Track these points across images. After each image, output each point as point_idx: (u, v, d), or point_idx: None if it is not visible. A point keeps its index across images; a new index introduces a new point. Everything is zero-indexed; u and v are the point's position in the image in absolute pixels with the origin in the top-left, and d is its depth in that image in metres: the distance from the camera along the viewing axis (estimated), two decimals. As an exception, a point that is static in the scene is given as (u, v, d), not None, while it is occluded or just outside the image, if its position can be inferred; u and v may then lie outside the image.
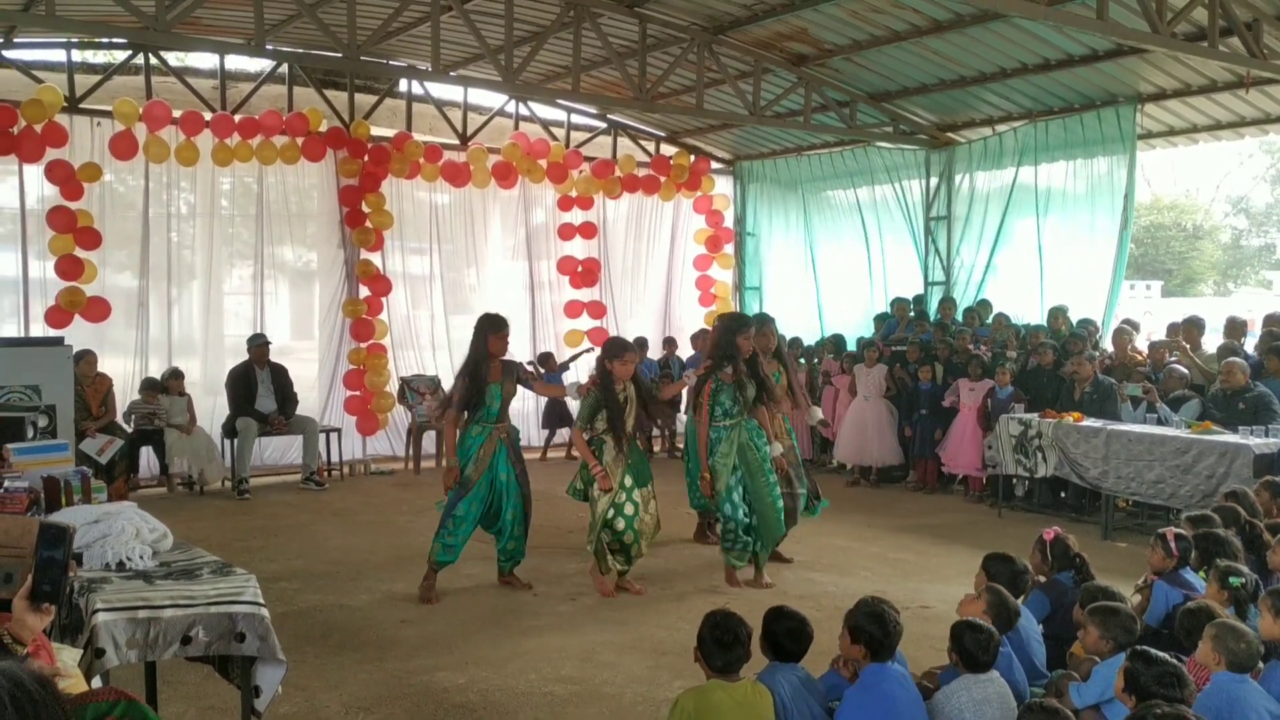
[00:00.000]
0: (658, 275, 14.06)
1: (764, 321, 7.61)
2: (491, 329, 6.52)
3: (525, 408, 11.89)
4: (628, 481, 6.46)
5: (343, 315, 11.55)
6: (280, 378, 10.48)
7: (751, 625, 3.56)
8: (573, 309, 13.10)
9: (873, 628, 3.50)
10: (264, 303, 11.42)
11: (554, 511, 8.42)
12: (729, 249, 14.19)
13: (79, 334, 9.85)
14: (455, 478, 6.46)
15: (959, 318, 11.32)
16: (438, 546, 6.52)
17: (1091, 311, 10.42)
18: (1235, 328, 9.29)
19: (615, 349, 6.53)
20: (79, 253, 9.96)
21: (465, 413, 6.54)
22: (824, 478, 11.19)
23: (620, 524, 6.45)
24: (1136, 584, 5.20)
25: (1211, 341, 9.48)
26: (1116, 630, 3.73)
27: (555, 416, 12.18)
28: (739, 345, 6.69)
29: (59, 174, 9.80)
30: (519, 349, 12.86)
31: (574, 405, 6.82)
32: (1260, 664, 3.50)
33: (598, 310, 13.27)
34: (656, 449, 12.30)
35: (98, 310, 10.07)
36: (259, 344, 10.40)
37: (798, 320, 13.71)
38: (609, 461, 6.43)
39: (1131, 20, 7.83)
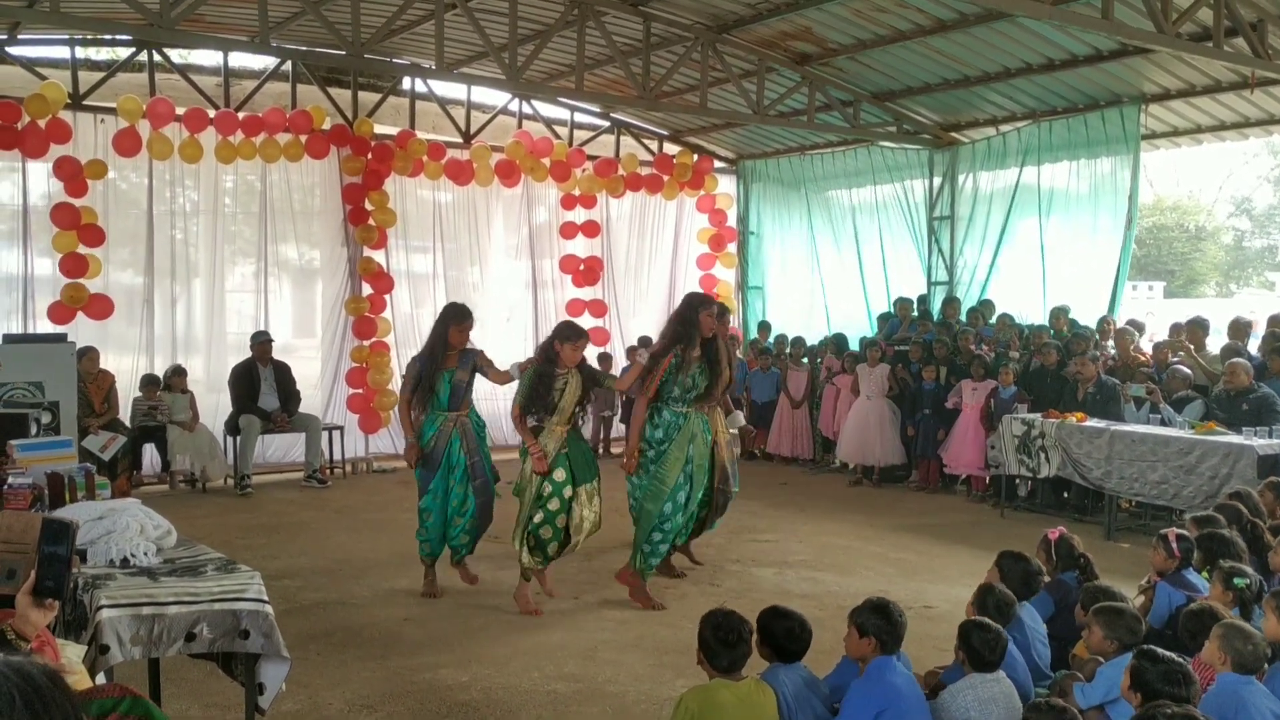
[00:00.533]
0: (660, 274, 14.06)
1: (724, 312, 6.98)
2: (455, 319, 6.51)
3: (498, 408, 11.90)
4: (559, 475, 6.10)
5: (345, 313, 11.55)
6: (283, 375, 10.48)
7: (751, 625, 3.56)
8: (575, 307, 13.09)
9: (879, 620, 3.52)
10: (267, 300, 11.43)
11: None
12: (732, 248, 14.18)
13: (82, 331, 9.86)
14: (415, 454, 6.46)
15: (963, 317, 11.31)
16: (419, 544, 6.67)
17: (1094, 312, 10.42)
18: (1239, 329, 9.28)
19: (568, 333, 6.22)
20: (82, 249, 9.95)
21: (417, 397, 6.50)
22: (826, 477, 11.23)
23: (539, 516, 6.11)
24: (1139, 585, 5.20)
25: (1214, 343, 9.47)
26: (1121, 631, 3.73)
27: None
28: (700, 322, 6.26)
29: (65, 170, 9.80)
30: (522, 348, 12.91)
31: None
32: (1265, 665, 3.49)
33: (600, 309, 13.26)
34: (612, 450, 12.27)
35: (101, 307, 10.08)
36: (262, 341, 10.41)
37: (800, 319, 13.72)
38: (548, 449, 6.11)
39: (1136, 20, 7.82)
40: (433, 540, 6.58)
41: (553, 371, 6.13)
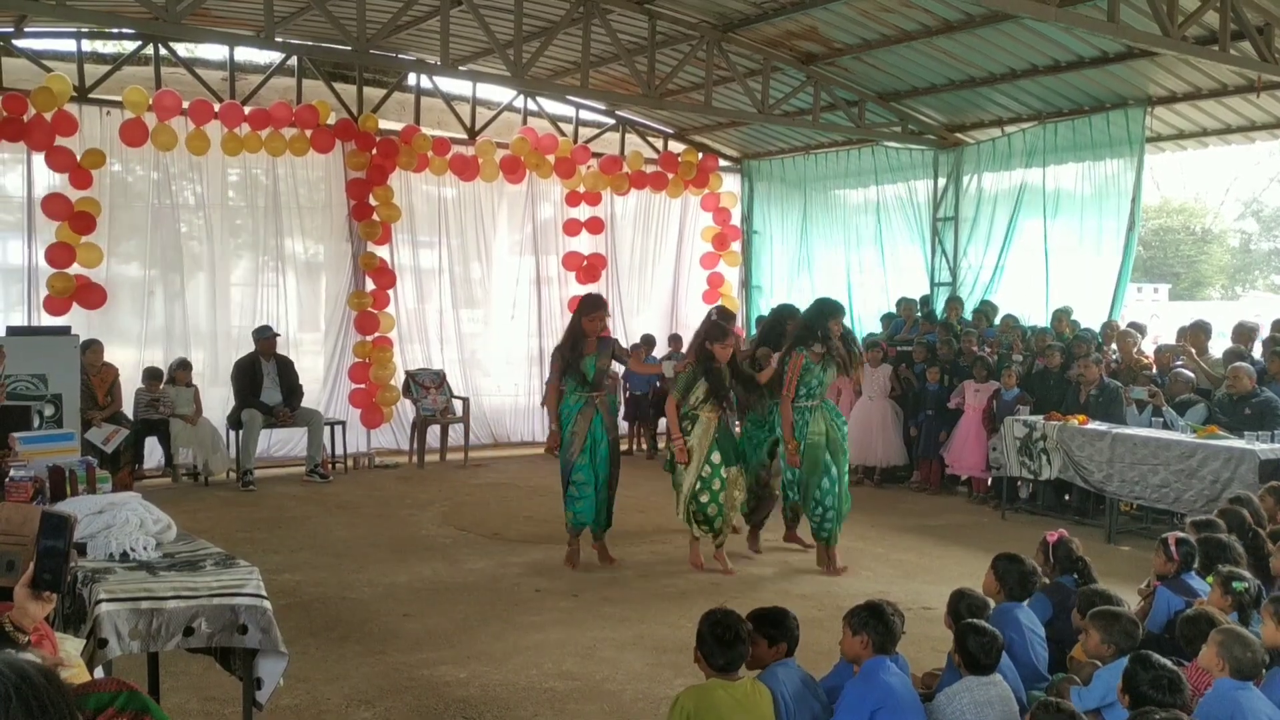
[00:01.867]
0: (665, 272, 14.06)
1: (728, 316, 7.90)
2: (586, 310, 7.19)
3: (521, 404, 11.95)
4: (715, 458, 6.86)
5: (348, 308, 11.56)
6: (286, 370, 10.49)
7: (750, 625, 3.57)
8: (572, 306, 13.08)
9: (872, 620, 3.54)
10: (270, 295, 11.44)
11: (558, 506, 8.41)
12: (736, 247, 14.18)
13: (87, 324, 9.88)
14: (556, 441, 7.15)
15: (967, 317, 11.30)
16: (569, 514, 7.14)
17: (1096, 314, 10.41)
18: (1243, 333, 9.26)
19: (716, 334, 6.99)
20: (83, 239, 9.95)
21: (564, 383, 7.16)
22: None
23: (705, 497, 6.88)
24: (1139, 588, 5.19)
25: (1218, 346, 9.46)
26: (1118, 635, 3.73)
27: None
28: (831, 328, 7.10)
29: (61, 162, 9.80)
30: (525, 345, 12.93)
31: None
32: (1263, 671, 3.49)
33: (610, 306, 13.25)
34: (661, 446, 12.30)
35: (92, 296, 10.04)
36: (266, 337, 10.40)
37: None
38: (699, 437, 6.86)
39: (1142, 23, 7.80)
40: (586, 510, 7.11)
41: (714, 367, 6.92)
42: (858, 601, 3.78)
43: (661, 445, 7.21)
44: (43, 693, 1.38)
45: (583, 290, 13.12)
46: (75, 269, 9.96)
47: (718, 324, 7.15)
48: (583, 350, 7.10)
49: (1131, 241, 10.48)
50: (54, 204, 9.83)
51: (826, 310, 7.24)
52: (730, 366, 7.03)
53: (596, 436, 7.08)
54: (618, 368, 8.29)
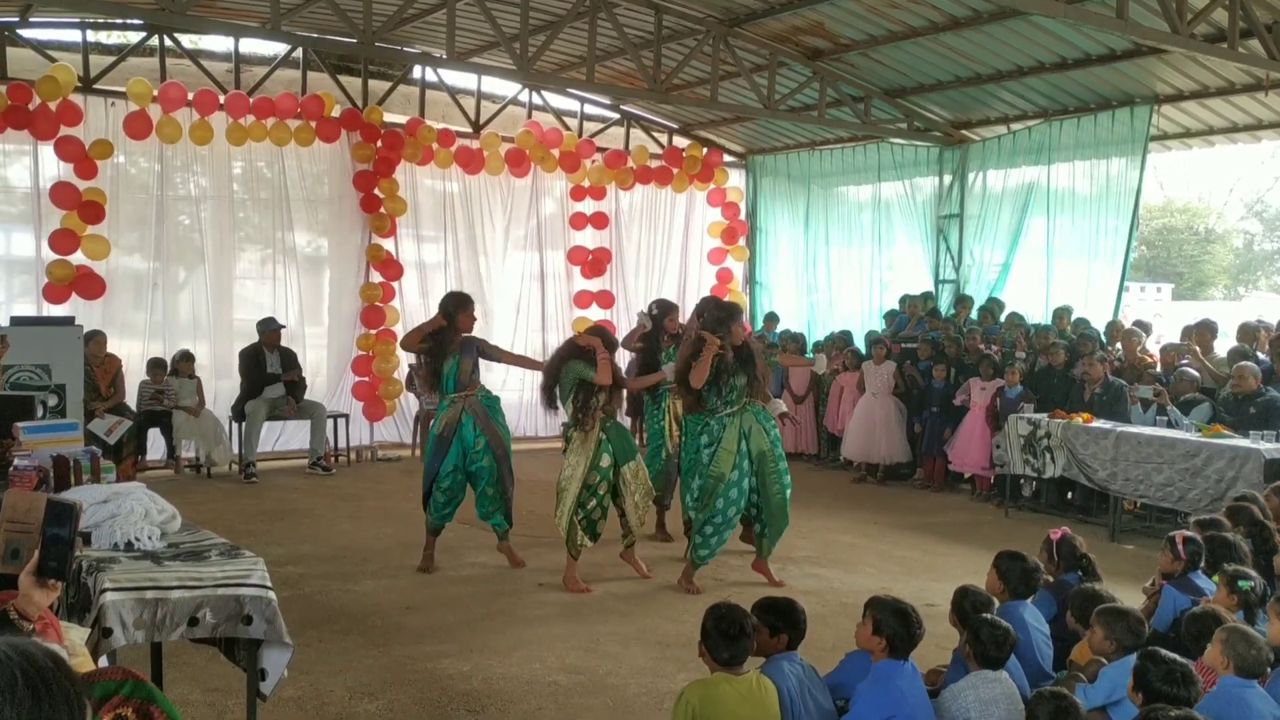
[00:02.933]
0: (671, 268, 14.03)
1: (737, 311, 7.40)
2: (458, 306, 6.96)
3: (525, 399, 11.90)
4: (604, 462, 6.46)
5: (359, 300, 11.54)
6: (289, 361, 10.49)
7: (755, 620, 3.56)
8: (583, 299, 13.10)
9: (897, 624, 3.48)
10: (274, 287, 11.45)
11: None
12: (743, 242, 14.16)
13: (90, 315, 9.88)
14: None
15: (973, 315, 11.29)
16: (428, 516, 7.00)
17: (1096, 312, 10.40)
18: (1248, 332, 9.24)
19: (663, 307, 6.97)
20: (90, 230, 9.95)
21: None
22: (830, 474, 11.22)
23: (591, 503, 6.47)
24: (1144, 587, 5.19)
25: (1223, 346, 9.44)
26: (1122, 632, 3.72)
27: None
28: (732, 331, 6.55)
29: (70, 151, 9.80)
30: (529, 339, 12.91)
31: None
32: (1269, 670, 3.48)
33: (607, 301, 13.24)
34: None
35: (92, 286, 10.03)
36: (271, 329, 10.39)
37: (805, 315, 13.71)
38: (580, 441, 6.47)
39: (1151, 20, 7.78)
40: (442, 509, 6.94)
41: (725, 356, 6.46)
42: (861, 598, 3.76)
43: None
44: (49, 676, 1.38)
45: (587, 285, 13.16)
46: (79, 259, 9.96)
47: (595, 331, 6.83)
48: (447, 349, 6.89)
49: (1132, 240, 10.47)
50: (62, 192, 9.82)
51: (729, 313, 6.68)
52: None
53: (467, 440, 6.83)
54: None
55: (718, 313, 6.62)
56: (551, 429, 12.28)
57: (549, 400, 6.59)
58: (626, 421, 12.32)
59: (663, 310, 7.93)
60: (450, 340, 6.88)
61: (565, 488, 6.50)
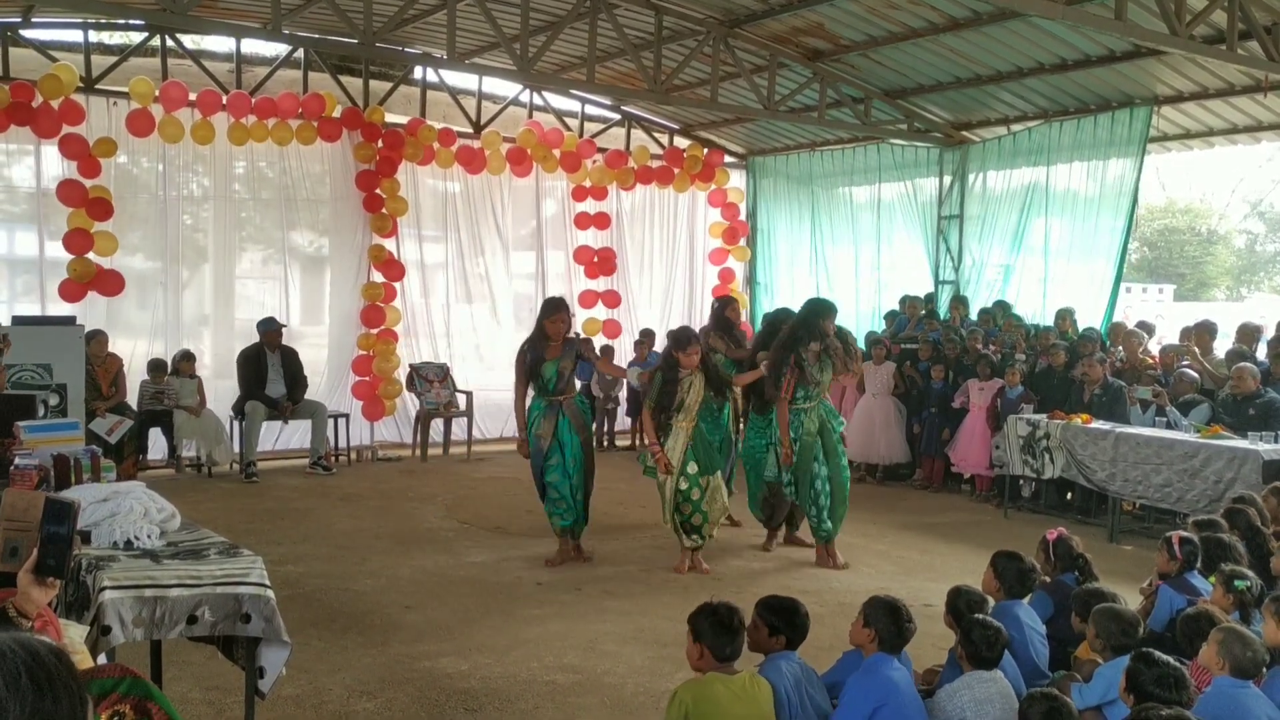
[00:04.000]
0: (672, 268, 14.04)
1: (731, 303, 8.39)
2: (546, 313, 7.09)
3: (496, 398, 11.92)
4: (691, 469, 6.81)
5: (360, 299, 11.56)
6: (290, 361, 10.51)
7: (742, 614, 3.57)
8: (586, 299, 13.11)
9: (885, 619, 3.52)
10: (275, 287, 11.46)
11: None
12: (745, 242, 14.17)
13: (91, 314, 9.90)
14: (526, 450, 7.13)
15: (974, 317, 11.29)
16: (553, 522, 7.15)
17: (1093, 313, 10.41)
18: (1247, 333, 9.25)
19: (682, 341, 6.88)
20: (98, 227, 9.97)
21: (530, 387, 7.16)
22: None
23: (688, 509, 6.85)
24: (1141, 587, 5.20)
25: (1223, 347, 9.45)
26: (1114, 633, 3.73)
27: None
28: (823, 327, 7.12)
29: (74, 149, 9.83)
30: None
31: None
32: (1264, 670, 3.49)
33: (613, 300, 13.27)
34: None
35: (112, 283, 10.07)
36: (271, 329, 10.41)
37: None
38: (671, 448, 6.81)
39: (1150, 21, 7.78)
40: (564, 512, 7.09)
41: (675, 377, 6.82)
42: (860, 598, 3.78)
43: (637, 445, 7.17)
44: (53, 671, 1.39)
45: (592, 285, 13.18)
46: (93, 256, 9.98)
47: (682, 330, 7.11)
48: (544, 354, 7.02)
49: (1128, 241, 10.49)
50: (69, 190, 9.84)
51: (819, 310, 7.31)
52: (704, 369, 6.90)
53: (563, 439, 7.00)
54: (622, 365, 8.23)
55: (810, 316, 7.26)
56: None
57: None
58: (626, 422, 12.47)
59: (717, 311, 8.47)
60: (542, 347, 7.02)
61: (661, 493, 6.94)
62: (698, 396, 6.83)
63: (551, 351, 7.01)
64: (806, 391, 7.16)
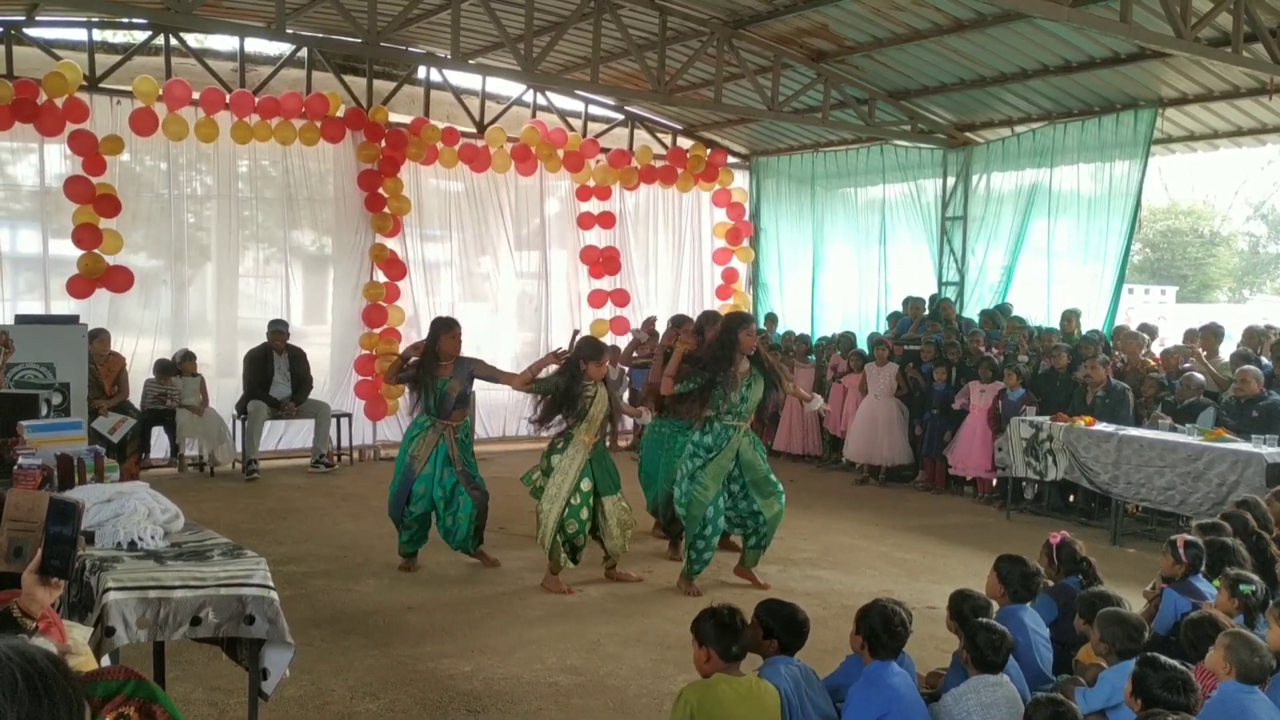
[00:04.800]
0: (676, 268, 14.04)
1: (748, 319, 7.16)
2: (443, 329, 6.87)
3: (512, 397, 11.86)
4: (584, 486, 6.42)
5: (363, 299, 11.56)
6: (297, 363, 10.52)
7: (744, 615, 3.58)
8: (593, 299, 13.12)
9: (876, 624, 3.52)
10: (278, 286, 11.47)
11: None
12: (747, 243, 14.16)
13: (94, 313, 9.90)
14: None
15: (975, 318, 11.28)
16: (402, 545, 6.94)
17: (1096, 315, 10.39)
18: (1252, 336, 9.23)
19: (591, 351, 6.51)
20: (105, 224, 9.96)
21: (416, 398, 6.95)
22: (832, 475, 11.22)
23: (572, 527, 6.41)
24: (1145, 591, 5.19)
25: (1227, 349, 9.43)
26: (1119, 637, 3.72)
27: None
28: (741, 342, 6.42)
29: (81, 145, 9.83)
30: (533, 339, 12.91)
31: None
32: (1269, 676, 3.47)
33: (622, 299, 13.27)
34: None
35: (121, 279, 10.07)
36: (278, 330, 10.43)
37: (808, 317, 13.71)
38: (569, 459, 6.41)
39: (1155, 23, 7.77)
40: (413, 537, 6.92)
41: (578, 388, 6.43)
42: (862, 601, 3.77)
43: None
44: (49, 677, 1.39)
45: (595, 285, 13.18)
46: (98, 252, 9.98)
47: (590, 341, 6.75)
48: (436, 372, 6.79)
49: (1130, 243, 10.48)
50: (76, 186, 9.83)
51: (735, 324, 6.54)
52: (605, 387, 6.53)
53: (437, 468, 6.77)
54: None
55: (725, 335, 6.50)
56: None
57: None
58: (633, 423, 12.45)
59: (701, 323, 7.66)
60: (432, 365, 6.78)
61: (548, 509, 6.42)
62: (601, 408, 6.46)
63: (444, 370, 6.80)
64: (732, 407, 6.44)
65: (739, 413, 6.50)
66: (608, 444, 6.79)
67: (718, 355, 6.43)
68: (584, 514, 6.43)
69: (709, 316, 7.47)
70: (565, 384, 6.43)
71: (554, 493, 6.41)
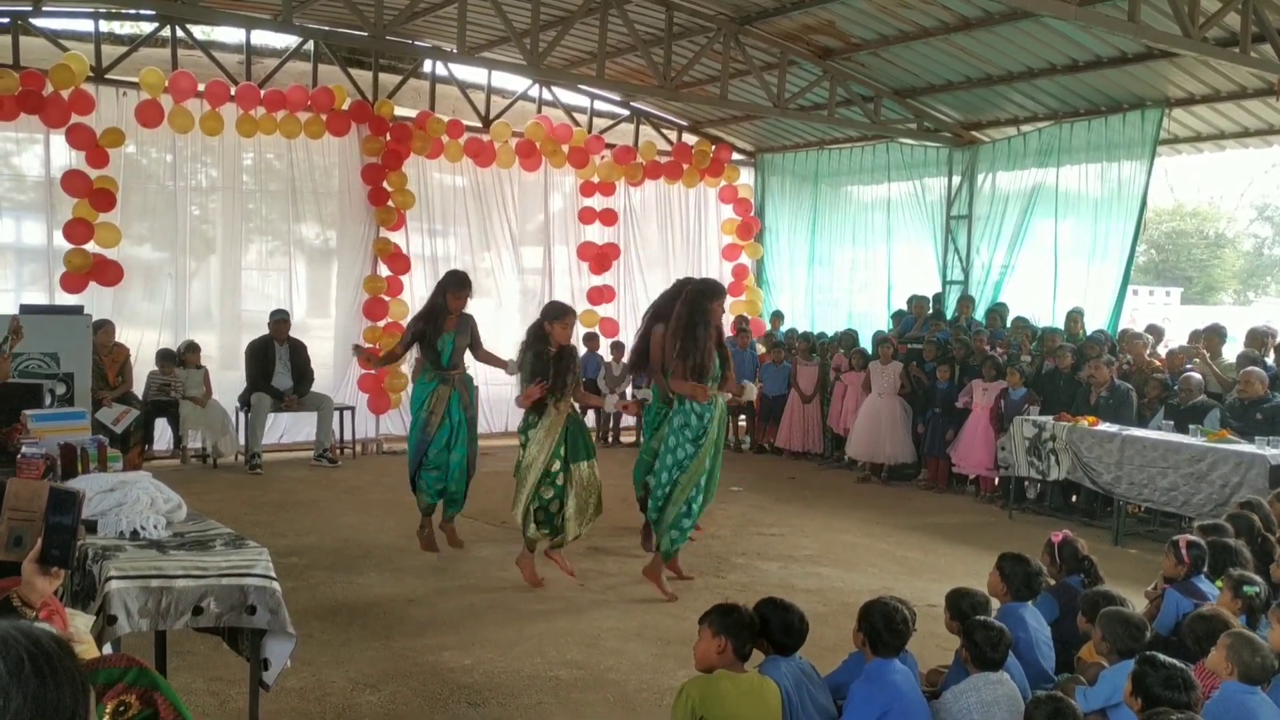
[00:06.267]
0: (683, 264, 14.00)
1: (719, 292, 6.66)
2: (453, 286, 6.94)
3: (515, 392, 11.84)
4: (561, 452, 6.27)
5: (363, 292, 11.56)
6: (298, 354, 10.53)
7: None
8: (592, 295, 13.11)
9: (878, 622, 3.51)
10: (281, 279, 11.47)
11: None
12: (755, 239, 14.14)
13: (99, 304, 9.92)
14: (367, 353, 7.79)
15: (980, 318, 11.27)
16: (420, 498, 7.01)
17: (1101, 316, 10.38)
18: (1256, 338, 9.21)
19: (555, 311, 6.44)
20: (101, 218, 9.97)
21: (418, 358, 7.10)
22: (834, 473, 11.21)
23: (549, 493, 6.27)
24: (1147, 590, 5.18)
25: (1231, 351, 9.41)
26: (1120, 636, 3.71)
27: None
28: (712, 311, 6.25)
29: (81, 139, 9.83)
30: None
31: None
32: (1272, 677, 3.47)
33: (616, 296, 13.24)
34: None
35: (110, 273, 10.06)
36: (279, 319, 10.44)
37: (812, 314, 13.71)
38: (545, 429, 6.26)
39: (1162, 23, 7.75)
40: (434, 481, 6.94)
41: (546, 350, 6.34)
42: (864, 598, 3.77)
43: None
44: (55, 659, 1.39)
45: (598, 281, 13.16)
46: (93, 247, 9.99)
47: (555, 302, 6.77)
48: (442, 326, 6.88)
49: (1135, 244, 10.46)
50: (73, 180, 9.85)
51: (708, 292, 6.34)
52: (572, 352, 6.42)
53: (454, 417, 6.85)
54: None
55: (697, 299, 6.27)
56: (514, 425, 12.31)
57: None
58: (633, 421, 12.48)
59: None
60: (440, 319, 6.89)
61: (524, 477, 6.31)
62: (574, 378, 6.39)
63: (450, 324, 6.91)
64: (714, 377, 6.27)
65: (717, 380, 6.32)
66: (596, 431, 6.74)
67: (693, 322, 6.20)
68: (560, 479, 6.28)
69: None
70: (535, 351, 6.33)
71: (529, 461, 6.28)
